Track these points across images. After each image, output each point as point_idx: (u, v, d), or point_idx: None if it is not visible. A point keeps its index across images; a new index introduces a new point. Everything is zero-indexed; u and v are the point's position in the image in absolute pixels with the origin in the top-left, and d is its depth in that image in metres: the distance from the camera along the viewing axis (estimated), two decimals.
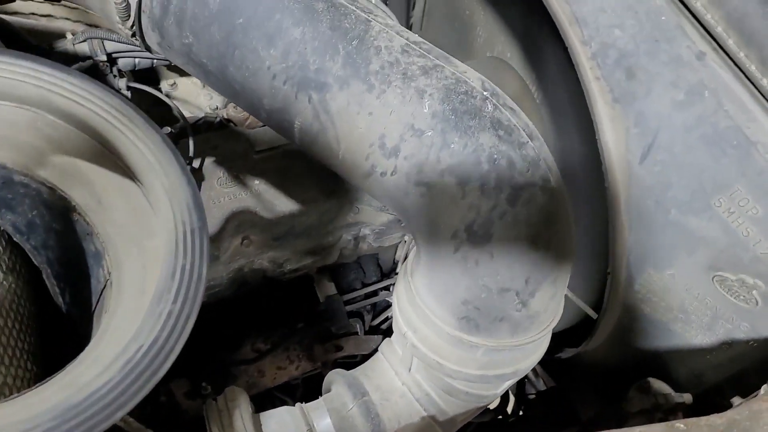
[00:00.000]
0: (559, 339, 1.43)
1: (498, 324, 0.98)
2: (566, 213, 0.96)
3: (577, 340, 1.49)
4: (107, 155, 0.62)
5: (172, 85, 1.53)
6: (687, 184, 1.05)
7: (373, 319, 1.41)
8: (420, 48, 0.94)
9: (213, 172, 1.15)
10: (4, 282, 0.70)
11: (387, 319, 1.46)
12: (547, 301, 0.98)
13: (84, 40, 1.26)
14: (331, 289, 1.33)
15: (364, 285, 1.39)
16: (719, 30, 1.06)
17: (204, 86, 1.50)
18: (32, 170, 0.63)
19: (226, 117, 1.41)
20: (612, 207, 1.15)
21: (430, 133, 0.89)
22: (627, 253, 1.19)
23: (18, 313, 0.69)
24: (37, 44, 1.21)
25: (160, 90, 1.53)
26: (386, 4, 1.94)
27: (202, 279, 0.55)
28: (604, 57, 1.11)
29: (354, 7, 0.96)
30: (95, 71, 1.28)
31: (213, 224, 1.10)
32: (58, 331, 0.73)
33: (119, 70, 1.31)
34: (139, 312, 0.54)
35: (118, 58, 1.31)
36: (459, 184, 0.89)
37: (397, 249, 1.41)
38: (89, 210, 0.64)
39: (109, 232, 0.63)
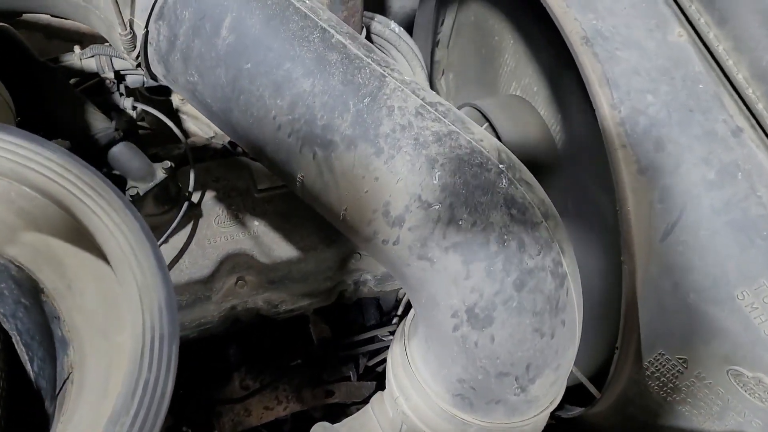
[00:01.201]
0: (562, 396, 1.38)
1: (494, 406, 0.93)
2: (575, 299, 0.90)
3: (581, 400, 1.43)
4: (83, 234, 0.58)
5: (182, 100, 1.48)
6: (710, 270, 0.98)
7: (369, 359, 1.36)
8: (435, 110, 0.88)
9: (212, 209, 1.10)
10: None
11: (382, 362, 1.41)
12: (548, 387, 0.92)
13: (92, 56, 1.21)
14: (326, 331, 1.29)
15: (363, 327, 1.34)
16: (760, 107, 0.99)
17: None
18: (1, 247, 0.59)
19: (231, 140, 1.37)
20: (627, 281, 1.09)
21: (437, 207, 0.83)
22: (638, 330, 1.12)
23: None
24: (43, 60, 1.17)
25: (171, 103, 1.48)
26: (414, 22, 1.88)
27: (166, 397, 0.50)
28: (634, 124, 1.04)
29: (369, 60, 0.90)
30: (101, 88, 1.24)
31: (207, 266, 1.05)
32: (25, 397, 0.69)
33: (126, 87, 1.26)
34: (96, 426, 0.50)
35: (126, 74, 1.26)
36: (464, 263, 0.83)
37: (398, 292, 1.36)
38: (58, 294, 0.59)
39: (77, 320, 0.58)
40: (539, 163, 1.47)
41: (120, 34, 0.92)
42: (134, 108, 1.22)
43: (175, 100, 1.47)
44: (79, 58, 1.20)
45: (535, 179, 0.90)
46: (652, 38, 1.10)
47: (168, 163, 1.04)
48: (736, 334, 0.98)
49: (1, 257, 0.59)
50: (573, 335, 0.90)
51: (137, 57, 0.96)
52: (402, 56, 1.38)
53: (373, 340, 1.33)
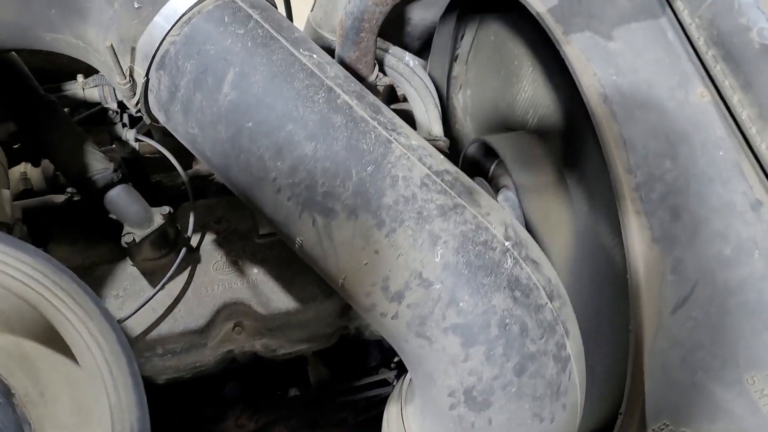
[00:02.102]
0: None
1: None
2: (578, 381, 0.87)
3: None
4: (57, 338, 0.55)
5: None
6: (719, 350, 0.95)
7: (367, 406, 1.34)
8: (442, 180, 0.85)
9: (211, 254, 1.07)
10: None
11: (381, 402, 1.39)
12: None
13: (95, 86, 1.18)
14: (324, 374, 1.26)
15: (364, 369, 1.32)
16: None
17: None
18: None
19: None
20: (634, 350, 1.05)
21: (438, 286, 0.80)
22: (644, 398, 1.09)
23: None
24: (45, 87, 1.14)
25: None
26: (433, 35, 1.82)
27: None
28: (649, 190, 1.00)
29: (375, 123, 0.86)
30: (104, 117, 1.21)
31: (203, 315, 1.03)
32: None
33: (130, 117, 1.24)
34: None
35: None
36: (463, 345, 0.80)
37: None
38: (29, 402, 0.57)
39: (48, 431, 0.56)
40: (548, 205, 1.43)
41: (118, 82, 0.89)
42: (136, 140, 1.19)
43: (133, 111, 1.44)
44: (81, 87, 1.17)
45: (542, 254, 0.87)
46: (674, 98, 1.05)
47: (167, 209, 1.01)
48: (742, 418, 0.94)
49: None
50: (574, 418, 0.87)
51: (137, 104, 0.93)
52: (415, 91, 1.34)
53: (373, 385, 1.31)
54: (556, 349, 0.83)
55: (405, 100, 1.48)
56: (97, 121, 1.22)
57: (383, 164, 0.84)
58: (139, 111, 0.96)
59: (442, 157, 0.90)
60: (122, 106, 1.22)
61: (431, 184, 0.84)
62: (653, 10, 1.12)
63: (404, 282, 0.81)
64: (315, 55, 0.91)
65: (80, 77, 1.18)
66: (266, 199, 0.88)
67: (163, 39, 0.89)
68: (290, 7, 1.51)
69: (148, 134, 1.27)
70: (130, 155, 1.23)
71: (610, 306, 1.27)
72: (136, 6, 0.88)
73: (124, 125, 1.20)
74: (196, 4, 0.89)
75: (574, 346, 0.85)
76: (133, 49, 0.90)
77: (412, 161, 0.85)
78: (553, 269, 0.87)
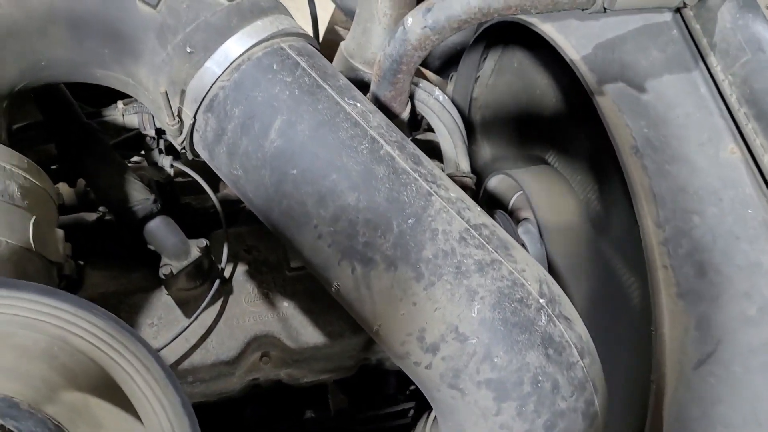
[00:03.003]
0: None
1: None
2: None
3: None
4: (122, 396, 0.57)
5: None
6: (740, 408, 0.97)
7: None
8: (480, 234, 0.87)
9: (242, 286, 1.10)
10: None
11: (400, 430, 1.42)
12: None
13: (135, 113, 1.21)
14: (344, 402, 1.29)
15: (382, 397, 1.34)
16: None
17: None
18: (40, 405, 0.59)
19: None
20: (654, 400, 1.07)
21: (474, 341, 0.82)
22: None
23: None
24: (87, 113, 1.16)
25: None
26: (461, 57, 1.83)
27: None
28: (677, 245, 1.02)
29: (417, 175, 0.89)
30: (141, 142, 1.24)
31: (234, 347, 1.05)
32: None
33: (165, 142, 1.26)
34: None
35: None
36: (495, 399, 0.82)
37: None
38: None
39: None
40: (570, 243, 1.45)
41: (168, 123, 0.91)
42: (172, 166, 1.22)
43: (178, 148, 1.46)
44: (122, 113, 1.19)
45: (575, 311, 0.89)
46: (704, 153, 1.07)
47: (203, 242, 1.03)
48: None
49: (39, 412, 0.59)
50: None
51: (182, 142, 0.96)
52: (444, 126, 1.36)
53: (390, 415, 1.33)
54: (585, 407, 0.85)
55: (429, 128, 1.50)
56: (133, 145, 1.24)
57: (424, 217, 0.86)
58: (183, 148, 0.98)
59: (479, 209, 0.92)
60: (159, 132, 1.24)
61: (470, 238, 0.86)
62: (686, 64, 1.14)
63: (440, 335, 0.84)
64: (359, 104, 0.93)
65: (120, 104, 1.21)
66: (306, 244, 0.90)
67: (213, 84, 0.91)
68: (317, 24, 1.52)
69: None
70: (164, 180, 1.25)
71: (624, 346, 1.29)
72: (189, 51, 0.90)
73: (160, 151, 1.22)
74: (246, 51, 0.91)
75: (601, 402, 0.87)
76: (183, 92, 0.92)
77: (452, 215, 0.87)
78: (584, 326, 0.89)
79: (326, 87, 0.92)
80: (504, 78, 1.87)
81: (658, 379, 1.05)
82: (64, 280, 0.85)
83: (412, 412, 1.38)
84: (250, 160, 0.91)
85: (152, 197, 1.06)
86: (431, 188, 0.89)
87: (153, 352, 0.57)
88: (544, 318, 0.84)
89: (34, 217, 0.77)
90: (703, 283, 1.00)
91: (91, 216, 1.21)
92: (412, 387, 1.45)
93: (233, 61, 0.91)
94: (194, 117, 0.93)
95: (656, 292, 1.03)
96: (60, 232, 0.81)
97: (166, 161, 1.21)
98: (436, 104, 1.36)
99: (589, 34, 1.23)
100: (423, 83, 1.36)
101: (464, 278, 0.84)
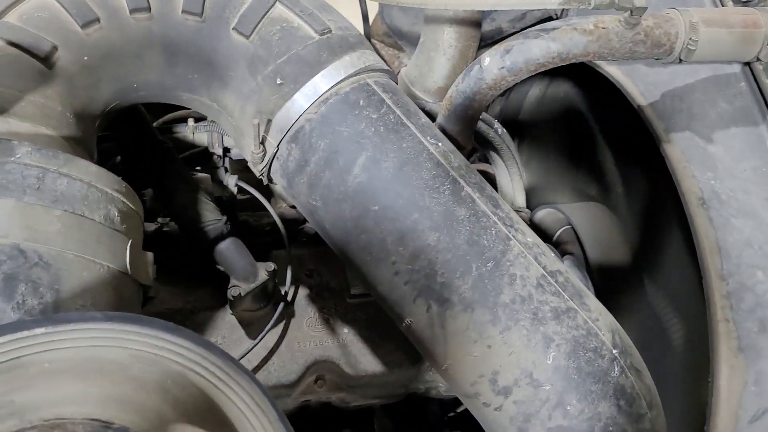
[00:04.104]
0: None
1: None
2: None
3: None
4: (231, 429, 0.59)
5: None
6: None
7: None
8: (556, 282, 0.88)
9: (304, 309, 1.11)
10: None
11: None
12: None
13: (205, 131, 1.23)
14: (389, 427, 1.30)
15: (426, 425, 1.36)
16: None
17: None
18: None
19: None
20: None
21: (547, 388, 0.84)
22: None
23: None
24: (161, 128, 1.19)
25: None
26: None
27: None
28: (739, 300, 1.03)
29: (496, 219, 0.90)
30: (207, 159, 1.26)
31: (294, 371, 1.07)
32: None
33: (231, 161, 1.28)
34: None
35: (231, 149, 1.28)
36: None
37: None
38: None
39: None
40: (617, 280, 1.46)
41: (253, 152, 0.93)
42: (236, 185, 1.24)
43: (256, 173, 1.48)
44: (191, 131, 1.22)
45: (643, 363, 0.90)
46: None
47: (272, 266, 1.05)
48: None
49: None
50: None
51: (262, 169, 0.98)
52: (502, 160, 1.38)
53: None
54: None
55: (485, 159, 1.52)
56: (198, 161, 1.26)
57: (502, 261, 0.87)
58: (261, 174, 1.00)
59: (553, 255, 0.93)
60: (225, 151, 1.26)
61: (546, 285, 0.87)
62: (753, 117, 1.15)
63: (514, 379, 0.85)
64: (440, 144, 0.95)
65: (191, 121, 1.23)
66: (382, 279, 0.92)
67: (300, 116, 0.93)
68: (368, 22, 1.53)
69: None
70: (225, 197, 1.27)
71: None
72: (279, 82, 0.92)
73: (226, 170, 1.25)
74: (334, 86, 0.93)
75: None
76: (269, 121, 0.94)
77: (529, 260, 0.89)
78: (651, 378, 0.90)
79: (410, 125, 0.94)
80: (548, 108, 1.88)
81: (712, 430, 1.06)
82: (148, 301, 0.87)
83: None
84: (331, 193, 0.92)
85: (224, 218, 1.08)
86: (509, 232, 0.90)
87: (268, 393, 0.59)
88: (617, 369, 0.85)
89: (130, 241, 0.79)
90: (765, 339, 1.01)
91: (150, 226, 1.23)
92: (451, 414, 1.46)
93: (321, 95, 0.93)
94: (278, 146, 0.95)
95: (716, 345, 1.03)
96: (150, 255, 0.83)
97: (231, 180, 1.23)
98: (495, 137, 1.38)
99: (657, 81, 1.24)
100: (483, 115, 1.38)
101: (540, 325, 0.85)
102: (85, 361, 0.57)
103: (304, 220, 1.37)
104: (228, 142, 1.25)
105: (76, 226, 0.72)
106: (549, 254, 0.92)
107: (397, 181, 0.90)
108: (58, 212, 0.70)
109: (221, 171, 1.24)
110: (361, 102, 0.93)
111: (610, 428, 0.83)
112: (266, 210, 1.30)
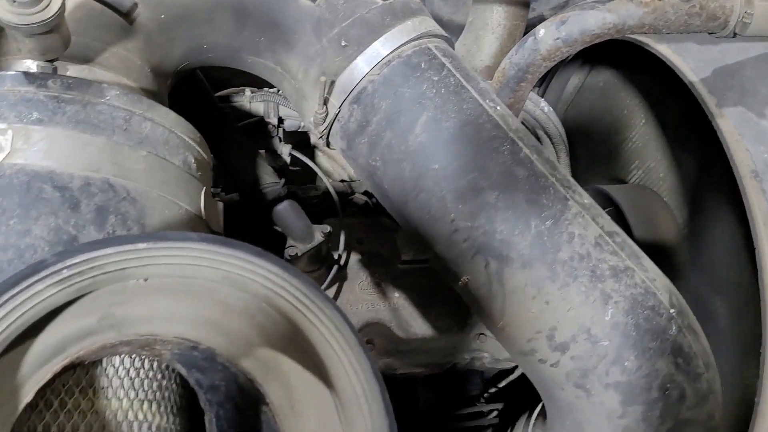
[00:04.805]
0: None
1: None
2: None
3: None
4: (312, 360, 0.61)
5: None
6: None
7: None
8: (613, 242, 0.90)
9: (356, 274, 1.14)
10: (175, 422, 0.71)
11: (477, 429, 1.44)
12: None
13: (261, 101, 1.26)
14: (431, 397, 1.32)
15: (466, 397, 1.37)
16: None
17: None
18: (236, 359, 0.63)
19: (368, 192, 1.40)
20: (756, 420, 1.08)
21: (605, 344, 0.85)
22: None
23: None
24: (218, 95, 1.22)
25: (314, 148, 1.52)
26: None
27: None
28: None
29: (554, 179, 0.92)
30: (262, 129, 1.29)
31: None
32: None
33: (284, 131, 1.31)
34: None
35: (286, 119, 1.31)
36: (622, 403, 0.85)
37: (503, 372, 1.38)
38: (281, 412, 0.63)
39: None
40: (665, 260, 1.46)
41: (316, 111, 0.96)
42: (290, 155, 1.27)
43: (313, 137, 1.51)
44: (248, 100, 1.25)
45: (699, 326, 0.91)
46: None
47: (327, 228, 1.08)
48: None
49: (233, 366, 0.63)
50: None
51: (322, 131, 1.00)
52: (548, 138, 1.39)
53: (476, 414, 1.36)
54: (707, 419, 0.87)
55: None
56: (254, 131, 1.29)
57: (561, 220, 0.89)
58: (321, 137, 1.03)
59: (609, 218, 0.95)
60: (280, 121, 1.29)
61: (604, 244, 0.89)
62: None
63: (571, 335, 0.86)
64: (499, 107, 0.97)
65: (248, 91, 1.26)
66: (439, 238, 0.94)
67: (363, 77, 0.95)
68: None
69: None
70: (279, 167, 1.30)
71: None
72: (343, 44, 0.95)
73: (280, 139, 1.28)
74: (396, 49, 0.95)
75: (720, 416, 0.89)
76: (333, 83, 0.97)
77: (587, 220, 0.90)
78: (707, 340, 0.91)
79: (469, 88, 0.96)
80: (587, 97, 1.89)
81: (764, 402, 1.06)
82: None
83: (495, 413, 1.40)
84: (391, 152, 0.95)
85: (281, 181, 1.11)
86: (567, 193, 0.92)
87: (348, 320, 0.61)
88: (674, 328, 0.86)
89: (204, 188, 0.82)
90: None
91: None
92: (492, 390, 1.47)
93: (384, 57, 0.95)
94: (340, 107, 0.98)
95: None
96: (220, 205, 0.86)
97: (285, 149, 1.26)
98: (542, 115, 1.39)
99: (708, 58, 1.25)
100: (531, 94, 1.40)
101: (599, 282, 0.86)
102: (178, 282, 0.60)
103: (352, 193, 1.39)
104: (283, 112, 1.28)
105: (159, 168, 0.75)
106: (606, 216, 0.94)
107: (458, 140, 0.92)
108: (143, 153, 0.74)
109: (275, 140, 1.27)
110: (422, 65, 0.95)
111: (668, 385, 0.84)
112: (313, 184, 1.34)
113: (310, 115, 1.00)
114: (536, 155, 0.94)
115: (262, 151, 1.27)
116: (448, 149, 0.92)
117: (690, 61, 1.27)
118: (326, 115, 0.98)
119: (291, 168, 1.40)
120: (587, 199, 0.94)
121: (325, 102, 0.99)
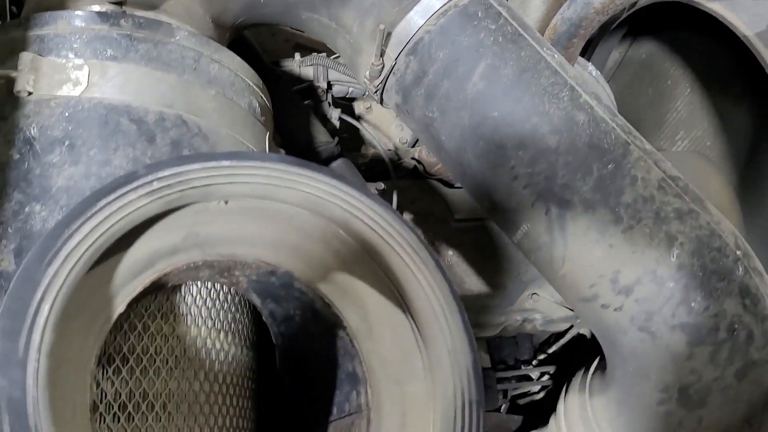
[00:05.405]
0: None
1: None
2: None
3: None
4: (387, 283, 0.62)
5: (367, 108, 1.52)
6: None
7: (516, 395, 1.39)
8: (677, 185, 0.89)
9: None
10: (248, 355, 0.72)
11: (525, 395, 1.43)
12: None
13: (310, 65, 1.27)
14: (485, 361, 1.32)
15: (517, 361, 1.37)
16: None
17: (397, 116, 1.49)
18: (314, 283, 0.64)
19: (417, 157, 1.40)
20: None
21: (671, 285, 0.84)
22: None
23: (249, 386, 0.72)
24: (268, 62, 1.23)
25: (353, 109, 1.53)
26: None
27: None
28: None
29: (614, 125, 0.91)
30: (312, 94, 1.30)
31: None
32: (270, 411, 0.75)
33: (333, 97, 1.32)
34: None
35: (334, 84, 1.31)
36: (688, 344, 0.84)
37: (555, 335, 1.37)
38: (359, 335, 0.64)
39: (373, 364, 0.63)
40: None
41: (373, 63, 0.96)
42: (340, 119, 1.27)
43: (360, 107, 1.52)
44: (298, 65, 1.26)
45: (764, 270, 0.89)
46: None
47: (381, 185, 1.08)
48: None
49: (312, 291, 0.64)
50: None
51: (378, 84, 1.01)
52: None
53: (526, 377, 1.35)
54: None
55: None
56: (304, 95, 1.30)
57: (623, 164, 0.88)
58: (376, 91, 1.03)
59: (669, 164, 0.94)
60: (329, 85, 1.30)
61: (667, 187, 0.88)
62: None
63: (636, 277, 0.86)
64: (556, 55, 0.96)
65: (297, 56, 1.27)
66: (499, 186, 0.94)
67: (420, 27, 0.95)
68: None
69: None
70: (329, 131, 1.30)
71: None
72: None
73: (329, 104, 1.28)
74: None
75: None
76: (389, 34, 0.97)
77: (649, 164, 0.89)
78: None
79: (527, 36, 0.95)
80: (629, 70, 1.87)
81: None
82: None
83: (547, 376, 1.39)
84: (449, 102, 0.95)
85: (335, 140, 1.12)
86: (628, 138, 0.91)
87: (425, 242, 0.62)
88: (741, 269, 0.85)
89: (268, 133, 0.83)
90: None
91: None
92: (541, 357, 1.47)
93: (440, 7, 0.95)
94: (396, 59, 0.98)
95: None
96: (282, 151, 0.87)
97: (334, 113, 1.27)
98: (590, 78, 1.38)
99: (762, 12, 1.23)
100: (578, 59, 1.38)
101: (663, 224, 0.85)
102: (257, 205, 0.61)
103: (399, 159, 1.40)
104: (332, 76, 1.28)
105: (227, 107, 0.76)
106: (667, 162, 0.93)
107: (517, 87, 0.92)
108: (212, 92, 0.75)
109: (325, 105, 1.28)
110: (479, 14, 0.95)
111: (736, 326, 0.83)
112: (359, 152, 1.34)
113: (365, 70, 1.01)
114: (595, 101, 0.93)
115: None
116: (507, 96, 0.92)
117: (744, 16, 1.25)
118: (382, 68, 0.99)
119: (339, 135, 1.40)
120: (648, 145, 0.93)
121: (381, 54, 0.99)
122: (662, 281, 0.84)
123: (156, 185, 0.53)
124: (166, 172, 0.54)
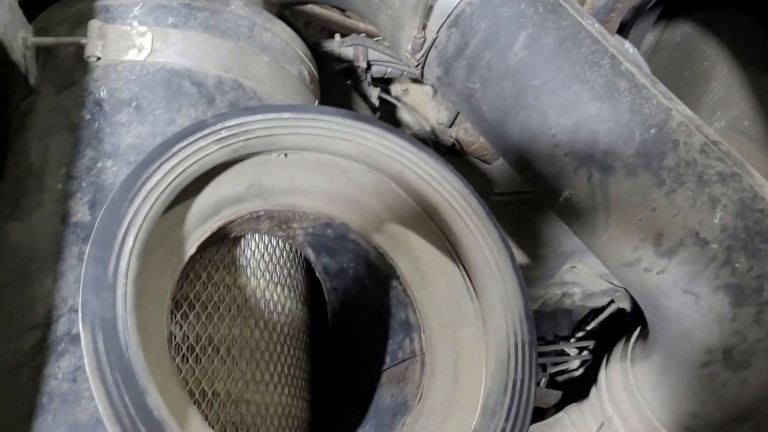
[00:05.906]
0: None
1: None
2: None
3: None
4: (438, 234, 0.64)
5: (404, 91, 1.55)
6: None
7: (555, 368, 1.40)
8: (719, 149, 0.89)
9: None
10: (302, 310, 0.75)
11: (563, 372, 1.45)
12: None
13: (350, 45, 1.30)
14: None
15: (556, 337, 1.38)
16: None
17: (433, 97, 1.51)
18: (368, 234, 0.67)
19: (454, 137, 1.42)
20: None
21: (714, 246, 0.85)
22: None
23: (304, 340, 0.74)
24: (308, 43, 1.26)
25: (389, 92, 1.55)
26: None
27: (531, 398, 0.56)
28: None
29: (656, 91, 0.92)
30: (351, 74, 1.33)
31: None
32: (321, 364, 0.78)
33: (372, 78, 1.35)
34: (461, 411, 0.56)
35: (373, 65, 1.34)
36: (732, 305, 0.85)
37: (593, 312, 1.38)
38: (412, 284, 0.66)
39: (427, 311, 0.65)
40: None
41: (415, 36, 0.99)
42: (379, 98, 1.30)
43: (397, 89, 1.54)
44: (338, 45, 1.29)
45: None
46: None
47: None
48: None
49: (366, 242, 0.66)
50: None
51: (420, 57, 1.03)
52: None
53: (564, 353, 1.36)
54: None
55: None
56: (345, 77, 1.33)
57: (665, 129, 0.89)
58: (418, 65, 1.06)
59: (711, 129, 0.94)
60: (369, 65, 1.32)
61: (709, 151, 0.89)
62: None
63: (679, 239, 0.87)
64: (597, 24, 0.98)
65: (337, 36, 1.30)
66: (541, 153, 0.95)
67: (461, 1, 0.98)
68: None
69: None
70: (368, 109, 1.33)
71: None
72: None
73: (368, 83, 1.31)
74: None
75: None
76: (431, 8, 0.99)
77: (691, 129, 0.90)
78: None
79: (567, 6, 0.97)
80: (663, 53, 1.86)
81: None
82: None
83: (586, 351, 1.40)
84: (491, 72, 0.97)
85: (376, 116, 1.14)
86: (670, 104, 0.92)
87: (476, 193, 0.64)
88: None
89: (317, 101, 0.86)
90: None
91: None
92: (579, 335, 1.48)
93: None
94: (437, 32, 1.00)
95: None
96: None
97: (374, 92, 1.30)
98: (626, 53, 1.38)
99: None
100: (615, 35, 1.39)
101: (706, 186, 0.86)
102: (314, 158, 0.64)
103: (437, 139, 1.42)
104: (372, 55, 1.31)
105: (280, 74, 0.79)
106: (709, 128, 0.93)
107: (558, 56, 0.93)
108: (266, 59, 0.78)
109: (364, 84, 1.30)
110: None
111: None
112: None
113: (407, 44, 1.03)
114: (636, 69, 0.94)
115: None
116: (548, 65, 0.94)
117: None
118: (423, 41, 1.01)
119: (378, 115, 1.43)
120: (689, 111, 0.94)
121: (423, 27, 1.01)
122: (705, 243, 0.85)
123: (224, 133, 0.56)
124: (233, 122, 0.57)
